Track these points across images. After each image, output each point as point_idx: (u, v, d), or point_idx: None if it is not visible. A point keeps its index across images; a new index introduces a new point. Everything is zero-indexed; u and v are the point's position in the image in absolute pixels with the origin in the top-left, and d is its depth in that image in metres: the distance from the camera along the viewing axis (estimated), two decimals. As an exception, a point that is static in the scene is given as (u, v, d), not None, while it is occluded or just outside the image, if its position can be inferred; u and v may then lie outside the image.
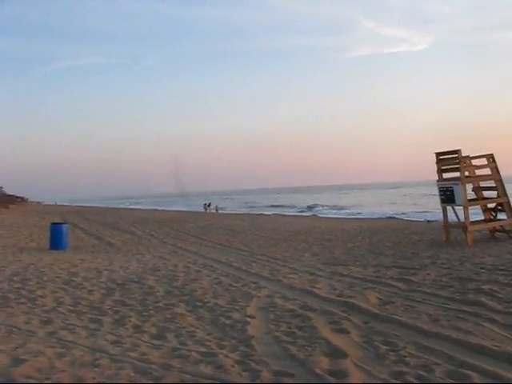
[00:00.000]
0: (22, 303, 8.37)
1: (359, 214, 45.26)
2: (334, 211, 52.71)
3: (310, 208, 60.53)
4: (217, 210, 59.10)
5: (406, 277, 10.09)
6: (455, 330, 6.12)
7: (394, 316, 6.98)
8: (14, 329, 6.64)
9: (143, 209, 75.87)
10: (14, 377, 4.62)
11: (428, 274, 10.33)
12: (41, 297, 8.87)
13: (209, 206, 61.75)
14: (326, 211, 53.56)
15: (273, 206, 70.50)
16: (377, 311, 7.34)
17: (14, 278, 10.75)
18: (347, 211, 51.89)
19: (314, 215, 45.80)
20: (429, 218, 31.49)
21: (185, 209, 71.05)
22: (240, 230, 25.66)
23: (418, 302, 7.89)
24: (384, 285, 9.47)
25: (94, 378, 4.65)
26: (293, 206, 66.92)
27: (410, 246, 16.41)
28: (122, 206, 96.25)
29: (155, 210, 69.94)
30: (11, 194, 76.56)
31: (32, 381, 4.56)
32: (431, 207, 44.78)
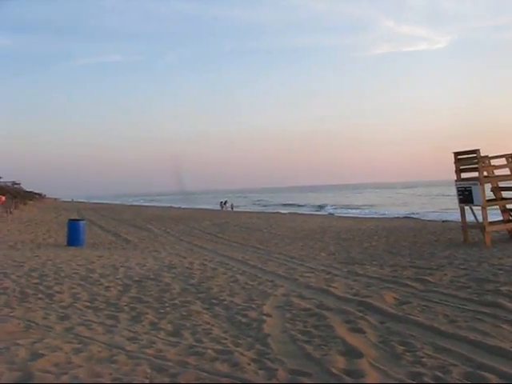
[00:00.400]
0: (39, 299, 8.40)
1: (375, 213, 44.90)
2: (349, 211, 52.23)
3: (321, 207, 60.09)
4: (232, 208, 59.17)
5: (423, 277, 10.04)
6: (473, 331, 6.06)
7: (411, 316, 6.92)
8: (32, 324, 6.67)
9: (159, 206, 75.94)
10: (32, 371, 4.65)
11: (445, 275, 10.25)
12: (58, 292, 8.90)
13: (225, 203, 61.81)
14: (341, 210, 53.20)
15: (286, 205, 70.25)
16: (393, 311, 7.29)
17: (32, 274, 10.78)
18: (362, 211, 51.43)
19: (330, 214, 45.51)
20: (444, 218, 31.22)
21: (201, 206, 71.35)
22: (256, 228, 25.67)
23: (435, 302, 7.82)
24: (401, 285, 9.41)
25: (110, 374, 4.66)
26: (305, 205, 66.58)
27: (427, 245, 16.30)
28: (138, 204, 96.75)
29: (171, 207, 70.27)
30: (29, 190, 77.26)
31: (49, 375, 4.58)
32: (446, 207, 44.20)
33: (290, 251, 15.90)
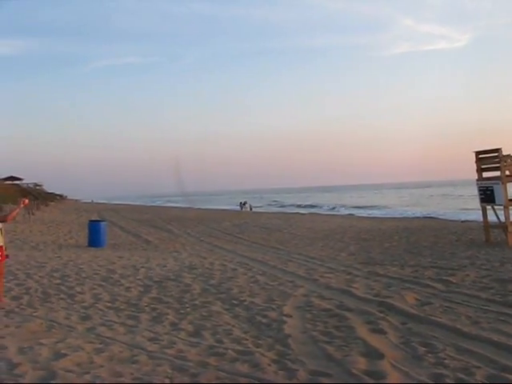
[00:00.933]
0: (61, 299, 8.53)
1: (394, 213, 44.53)
2: (368, 211, 51.95)
3: (339, 207, 59.84)
4: (251, 209, 59.25)
5: (445, 277, 9.96)
6: (496, 333, 5.99)
7: (433, 317, 6.87)
8: (54, 324, 6.76)
9: (179, 207, 76.27)
10: (55, 370, 4.73)
11: (467, 275, 10.15)
12: (80, 293, 9.02)
13: (244, 204, 61.76)
14: (360, 210, 52.97)
15: (303, 206, 70.10)
16: (415, 312, 7.24)
17: (54, 274, 10.96)
18: (380, 210, 51.04)
19: (349, 215, 45.30)
20: (463, 218, 30.94)
21: (221, 207, 71.29)
22: (276, 229, 25.65)
23: (457, 303, 7.75)
24: (422, 285, 9.33)
25: (131, 374, 4.71)
26: (323, 206, 66.32)
27: (448, 246, 16.12)
28: (158, 204, 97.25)
29: (191, 208, 70.45)
30: (51, 191, 78.15)
31: (71, 375, 4.64)
32: (463, 207, 43.82)
33: (310, 252, 15.90)
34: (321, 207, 64.63)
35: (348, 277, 10.69)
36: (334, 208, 60.39)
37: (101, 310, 7.77)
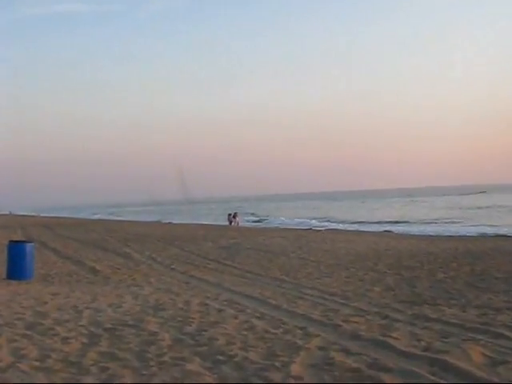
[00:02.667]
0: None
1: (449, 230, 44.83)
2: (410, 227, 52.23)
3: (358, 223, 60.69)
4: (237, 224, 59.60)
5: (527, 324, 10.03)
6: None
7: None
8: None
9: (142, 221, 76.40)
10: None
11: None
12: (-8, 348, 9.05)
13: (234, 217, 61.63)
14: (399, 226, 53.24)
15: (318, 219, 70.81)
16: (483, 374, 7.14)
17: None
18: (428, 226, 51.78)
19: (386, 232, 45.62)
20: None
21: (201, 221, 71.10)
22: (280, 252, 25.96)
23: (545, 361, 7.80)
24: (493, 335, 9.31)
25: None
26: (345, 220, 66.92)
27: (532, 278, 16.34)
28: (111, 218, 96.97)
29: (159, 222, 70.30)
30: None
31: None
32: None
33: (330, 285, 16.08)
34: (340, 221, 65.30)
35: (384, 322, 10.74)
36: (353, 222, 61.05)
37: (24, 372, 7.58)
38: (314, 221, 68.03)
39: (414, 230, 48.97)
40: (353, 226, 58.93)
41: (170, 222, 70.80)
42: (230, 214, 63.34)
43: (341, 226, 57.55)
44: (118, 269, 21.27)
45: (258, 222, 75.37)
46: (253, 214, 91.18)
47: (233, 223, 60.00)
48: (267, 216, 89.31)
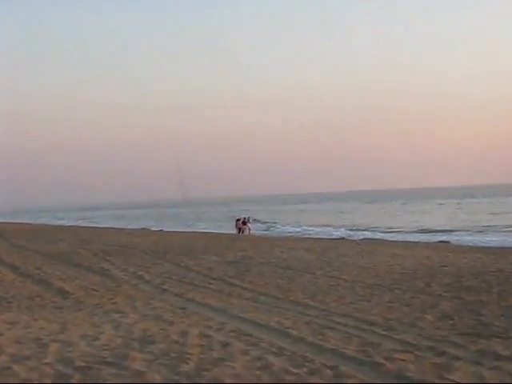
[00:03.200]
0: None
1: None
2: (472, 236, 51.85)
3: (422, 230, 60.27)
4: (249, 231, 59.34)
5: None
6: None
7: None
8: None
9: (125, 228, 76.84)
10: None
11: None
12: None
13: (244, 223, 61.00)
14: (458, 235, 52.68)
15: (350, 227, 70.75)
16: None
17: None
18: (491, 235, 51.81)
19: (441, 242, 45.74)
20: None
21: (201, 227, 71.19)
22: (303, 269, 25.77)
23: None
24: None
25: None
26: (391, 229, 66.58)
27: None
28: (85, 224, 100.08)
29: (146, 229, 70.63)
30: None
31: None
32: None
33: (368, 311, 15.85)
34: (374, 229, 65.21)
35: (439, 360, 10.57)
36: (391, 231, 60.94)
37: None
38: (342, 229, 67.32)
39: (478, 240, 48.70)
40: (393, 235, 58.06)
41: (161, 230, 70.94)
42: (238, 220, 62.26)
43: (381, 236, 56.67)
44: (94, 290, 20.75)
45: (265, 230, 74.42)
46: (255, 220, 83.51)
47: (242, 231, 59.48)
48: (275, 223, 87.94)
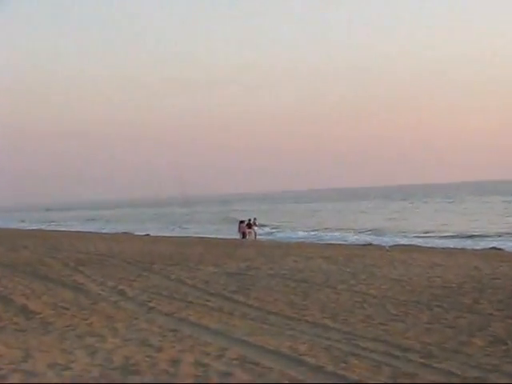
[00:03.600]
0: None
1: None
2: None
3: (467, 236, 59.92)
4: (255, 236, 58.83)
5: None
6: None
7: None
8: None
9: (104, 233, 77.33)
10: None
11: None
12: None
13: (250, 226, 60.55)
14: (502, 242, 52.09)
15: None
16: None
17: None
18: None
19: (493, 249, 45.58)
20: None
21: (196, 231, 71.18)
22: (322, 282, 25.36)
23: None
24: None
25: None
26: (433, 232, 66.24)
27: None
28: (53, 228, 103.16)
29: (128, 233, 70.75)
30: None
31: None
32: None
33: (401, 334, 15.65)
34: (405, 233, 64.96)
35: None
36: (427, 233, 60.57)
37: None
38: (363, 233, 67.50)
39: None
40: (430, 240, 57.66)
41: (147, 234, 70.54)
42: (242, 222, 61.85)
43: (416, 241, 56.05)
44: (65, 308, 20.30)
45: (268, 234, 73.99)
46: (262, 225, 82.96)
47: (246, 236, 58.94)
48: (278, 226, 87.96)
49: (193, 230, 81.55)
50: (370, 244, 50.58)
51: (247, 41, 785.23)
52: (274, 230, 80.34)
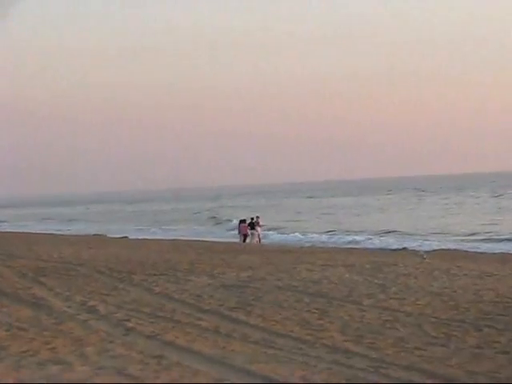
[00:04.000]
0: None
1: None
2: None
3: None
4: (259, 239, 59.36)
5: None
6: None
7: None
8: None
9: (71, 235, 77.50)
10: None
11: None
12: None
13: (253, 226, 60.83)
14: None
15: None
16: None
17: None
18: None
19: None
20: None
21: (184, 233, 71.04)
22: (343, 297, 24.94)
23: None
24: None
25: None
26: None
27: None
28: (6, 229, 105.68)
29: (101, 236, 70.76)
30: None
31: None
32: None
33: (443, 361, 15.15)
34: (446, 235, 63.92)
35: None
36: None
37: None
38: (389, 237, 67.13)
39: None
40: (477, 244, 57.56)
41: (125, 237, 69.85)
42: (243, 222, 62.30)
43: (461, 246, 55.71)
44: (22, 329, 19.67)
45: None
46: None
47: (247, 239, 59.18)
48: (284, 227, 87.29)
49: (181, 232, 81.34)
50: (405, 248, 49.75)
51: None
52: (273, 232, 79.84)
